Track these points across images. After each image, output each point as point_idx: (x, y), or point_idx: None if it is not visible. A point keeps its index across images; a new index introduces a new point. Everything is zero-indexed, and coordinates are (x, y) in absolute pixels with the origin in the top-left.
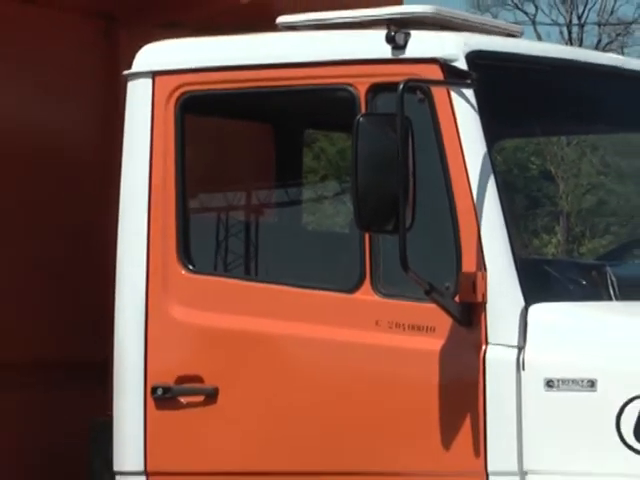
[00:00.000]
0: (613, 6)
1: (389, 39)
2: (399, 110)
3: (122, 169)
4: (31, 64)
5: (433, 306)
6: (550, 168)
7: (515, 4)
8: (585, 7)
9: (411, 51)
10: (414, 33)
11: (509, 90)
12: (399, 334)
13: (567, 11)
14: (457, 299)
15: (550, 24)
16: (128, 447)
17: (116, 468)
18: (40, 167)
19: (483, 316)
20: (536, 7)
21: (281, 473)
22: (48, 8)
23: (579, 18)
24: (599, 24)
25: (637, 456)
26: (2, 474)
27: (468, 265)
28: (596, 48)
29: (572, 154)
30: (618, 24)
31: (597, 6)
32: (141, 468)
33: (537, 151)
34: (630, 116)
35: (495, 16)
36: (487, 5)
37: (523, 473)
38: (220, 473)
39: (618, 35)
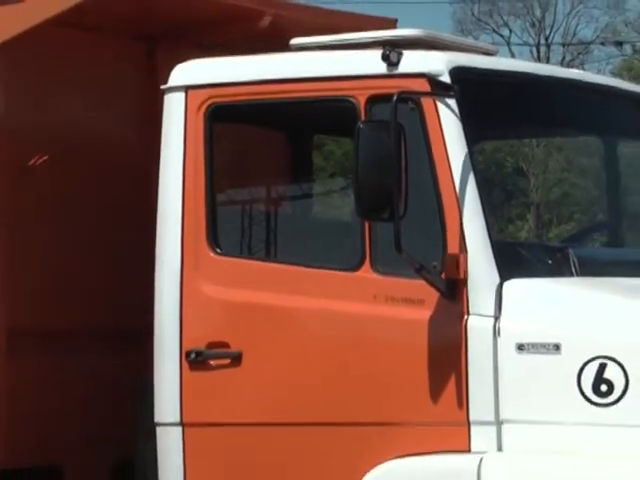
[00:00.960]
0: (575, 29)
1: (384, 58)
2: (393, 118)
3: (160, 168)
4: (86, 80)
5: (422, 282)
6: (523, 166)
7: (492, 28)
8: (551, 30)
9: (403, 67)
10: (406, 52)
11: (487, 100)
12: (394, 306)
13: (536, 34)
14: (443, 276)
15: (522, 44)
16: (167, 402)
17: (157, 420)
18: (96, 166)
19: (465, 291)
20: (510, 30)
21: (294, 424)
22: (99, 33)
23: (546, 39)
24: (563, 44)
25: (594, 407)
26: (64, 425)
27: (452, 248)
28: (561, 65)
29: (541, 154)
30: (579, 44)
31: (561, 29)
32: (178, 420)
33: (512, 151)
34: (589, 121)
35: (476, 38)
36: (469, 29)
37: (499, 422)
38: (242, 424)
39: (579, 54)
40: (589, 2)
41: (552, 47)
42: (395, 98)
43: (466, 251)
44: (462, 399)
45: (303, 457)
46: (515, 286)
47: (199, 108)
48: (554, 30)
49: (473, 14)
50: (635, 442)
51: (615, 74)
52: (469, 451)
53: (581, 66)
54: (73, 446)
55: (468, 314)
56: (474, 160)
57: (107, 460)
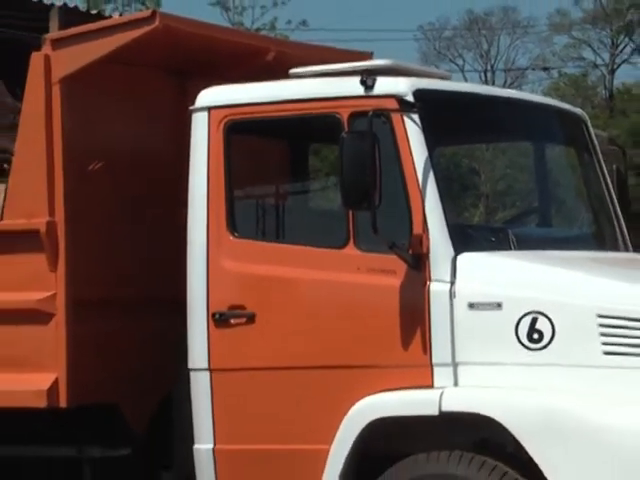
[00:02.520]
0: (514, 58)
1: (362, 82)
2: (369, 129)
3: (190, 171)
4: (131, 106)
5: (394, 256)
6: (475, 165)
7: (450, 58)
8: (495, 59)
9: (377, 90)
10: (379, 78)
11: (443, 114)
12: (373, 275)
13: (484, 62)
14: (410, 252)
15: (473, 71)
16: (198, 352)
17: (190, 366)
18: (138, 171)
19: (427, 262)
20: (463, 60)
21: (295, 367)
22: (141, 68)
23: (491, 67)
24: (504, 70)
25: (528, 351)
26: (119, 372)
27: (417, 229)
28: (503, 86)
29: (489, 155)
30: (517, 70)
31: (503, 58)
32: (206, 366)
33: (466, 154)
34: (524, 130)
35: (437, 66)
36: (432, 59)
37: (455, 364)
38: (256, 369)
39: (517, 78)
40: (525, 37)
41: (496, 73)
42: (371, 114)
43: (428, 232)
44: (426, 346)
45: (303, 393)
46: (466, 258)
47: (219, 124)
48: (498, 59)
49: (434, 48)
50: (559, 377)
51: (545, 94)
52: (432, 386)
53: (518, 87)
54: (126, 388)
55: (430, 280)
56: (434, 161)
57: (153, 399)
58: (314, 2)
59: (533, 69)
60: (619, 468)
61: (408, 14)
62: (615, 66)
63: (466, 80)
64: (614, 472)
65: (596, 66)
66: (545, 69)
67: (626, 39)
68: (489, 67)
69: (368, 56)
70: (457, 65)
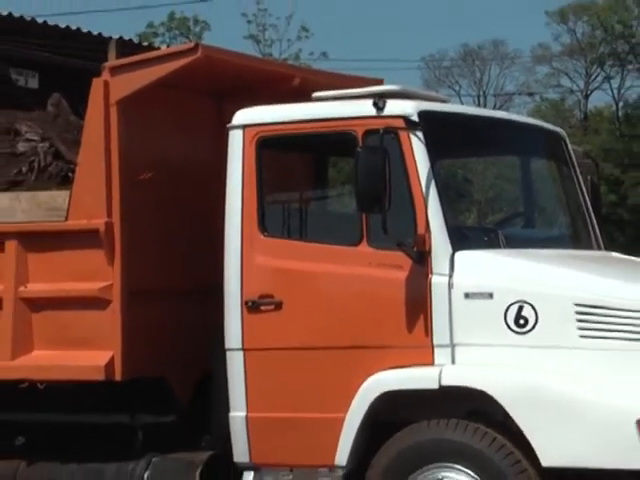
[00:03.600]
0: (502, 85)
1: (375, 104)
2: (380, 145)
3: (227, 180)
4: (176, 123)
5: (401, 253)
6: (469, 176)
7: (448, 85)
8: (487, 86)
9: (387, 111)
10: (389, 101)
11: (443, 132)
12: (382, 269)
13: (477, 88)
14: (414, 249)
15: (467, 95)
16: (233, 334)
17: (226, 346)
18: (182, 178)
19: (429, 259)
20: (459, 86)
21: (316, 348)
22: (185, 91)
23: (483, 92)
24: (494, 95)
25: (515, 334)
26: (167, 350)
27: (420, 230)
28: (493, 109)
29: (481, 167)
30: (505, 95)
31: (494, 85)
32: (240, 346)
33: (462, 166)
34: (511, 145)
35: (437, 91)
36: (432, 85)
37: (453, 345)
38: (282, 348)
39: (505, 102)
40: (512, 67)
41: (487, 97)
42: (382, 132)
43: (430, 232)
44: (428, 330)
45: (323, 369)
46: (462, 255)
47: (252, 140)
48: (489, 86)
49: (435, 75)
50: (541, 357)
51: (529, 115)
52: (433, 364)
53: (506, 110)
54: (172, 364)
55: (431, 274)
56: (435, 172)
57: (195, 374)
58: (333, 36)
59: (519, 94)
60: (589, 434)
61: (412, 47)
62: (589, 92)
63: (462, 103)
64: (585, 437)
65: (572, 92)
66: (529, 94)
67: (598, 69)
68: (481, 92)
69: (379, 82)
70: (454, 90)
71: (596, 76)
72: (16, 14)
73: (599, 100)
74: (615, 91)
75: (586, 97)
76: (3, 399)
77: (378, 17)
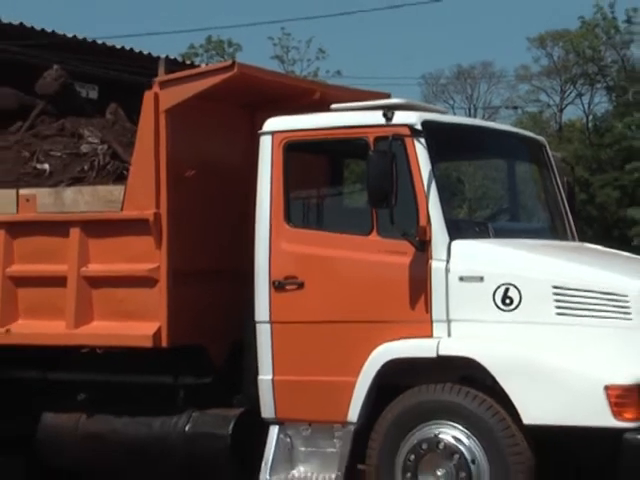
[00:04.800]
0: (490, 100)
1: (384, 115)
2: (389, 149)
3: (258, 178)
4: (214, 130)
5: (406, 242)
6: (461, 177)
7: (443, 99)
8: (477, 100)
9: (395, 121)
10: (396, 112)
11: (442, 138)
12: (390, 256)
13: (468, 102)
14: (417, 238)
15: (460, 108)
16: (262, 309)
17: (256, 319)
18: (220, 175)
19: (429, 247)
20: (454, 100)
21: (334, 321)
22: (221, 102)
23: (474, 106)
24: (483, 108)
25: (501, 311)
26: (206, 321)
27: (422, 222)
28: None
29: (473, 169)
30: (491, 108)
31: (482, 100)
32: (268, 319)
33: (456, 168)
34: (498, 150)
35: (434, 104)
36: (430, 99)
37: (449, 320)
38: (303, 322)
39: (492, 114)
40: (498, 84)
41: (477, 110)
42: (390, 138)
43: (430, 224)
44: (428, 307)
45: (338, 340)
46: (458, 244)
47: (279, 144)
48: (478, 100)
49: (432, 91)
50: (524, 331)
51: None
52: (432, 337)
53: (493, 121)
54: (209, 334)
55: (431, 259)
56: (435, 173)
57: (228, 342)
58: (346, 57)
59: (504, 108)
60: (564, 397)
61: (414, 67)
62: (563, 107)
63: (455, 115)
64: (560, 399)
65: (549, 106)
66: (513, 108)
67: (571, 87)
68: (472, 106)
69: (386, 96)
70: (449, 104)
71: (569, 93)
72: (80, 36)
73: (572, 114)
74: (586, 106)
75: (561, 111)
76: (68, 362)
77: (385, 40)
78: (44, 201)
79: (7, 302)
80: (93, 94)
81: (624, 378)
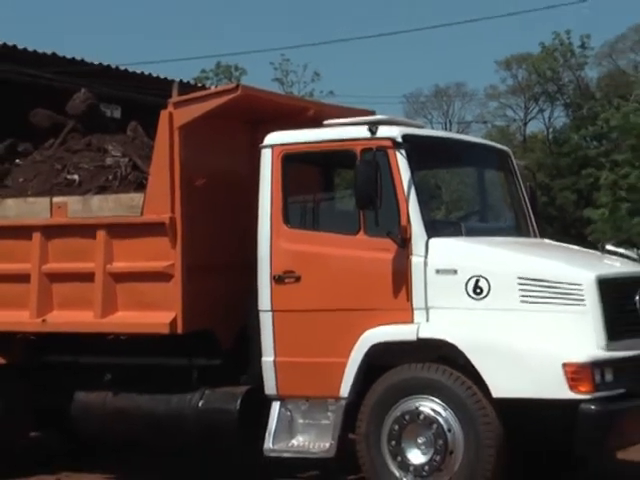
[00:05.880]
0: (464, 115)
1: (369, 129)
2: (373, 159)
3: (260, 186)
4: (221, 144)
5: (389, 240)
6: (439, 183)
7: (423, 115)
8: (452, 116)
9: (379, 134)
10: (380, 127)
11: (421, 150)
12: (375, 252)
13: (444, 118)
14: (399, 237)
15: (437, 123)
16: (264, 299)
17: (259, 308)
18: (227, 183)
19: (410, 244)
20: (432, 116)
21: (327, 310)
22: (227, 119)
23: (449, 121)
24: (458, 123)
25: (473, 300)
26: (213, 308)
27: (403, 222)
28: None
29: (448, 176)
30: (464, 123)
31: (457, 116)
32: (270, 308)
33: (434, 175)
34: (470, 160)
35: (415, 119)
36: (411, 116)
37: (427, 308)
38: (300, 310)
39: (465, 127)
40: (470, 102)
41: (452, 124)
42: (375, 150)
43: (410, 224)
44: (409, 296)
45: (331, 326)
46: (434, 241)
47: (278, 156)
48: (453, 116)
49: (413, 108)
50: (493, 316)
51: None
52: (412, 322)
53: (466, 134)
54: (218, 320)
55: (411, 255)
56: (414, 180)
57: (235, 327)
58: (338, 79)
59: (475, 122)
60: (527, 373)
61: (396, 86)
62: (527, 121)
63: (433, 129)
64: (524, 375)
65: (514, 120)
66: (483, 122)
67: (534, 104)
68: (447, 121)
69: (371, 113)
70: (427, 119)
71: (532, 109)
72: (105, 63)
73: (534, 127)
74: (546, 120)
75: (525, 124)
76: (95, 347)
77: (371, 64)
78: (74, 207)
79: (43, 295)
80: (116, 114)
81: (579, 356)
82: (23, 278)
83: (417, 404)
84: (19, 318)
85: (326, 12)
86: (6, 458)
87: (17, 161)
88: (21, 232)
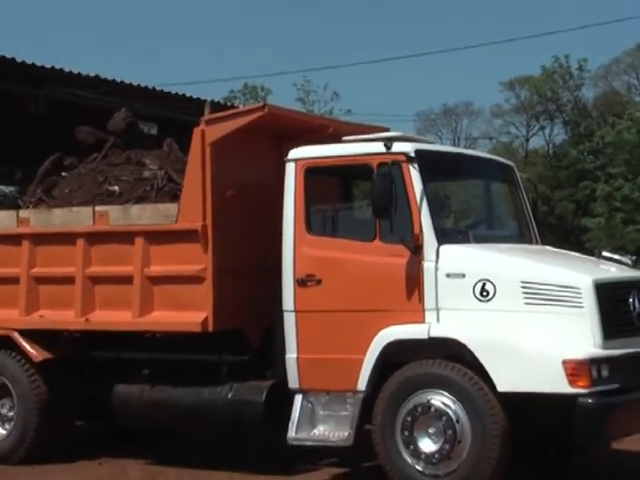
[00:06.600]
0: (470, 132)
1: (385, 145)
2: (389, 172)
3: (284, 197)
4: (250, 158)
5: (403, 246)
6: (449, 194)
7: (434, 132)
8: (460, 132)
9: (394, 149)
10: (395, 143)
11: (432, 164)
12: (390, 257)
13: (453, 134)
14: (412, 244)
15: (446, 139)
16: (288, 300)
17: (284, 308)
18: (255, 194)
19: (422, 250)
20: (442, 133)
21: (346, 310)
22: (255, 135)
23: (458, 137)
24: (465, 139)
25: (479, 302)
26: (242, 308)
27: (416, 230)
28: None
29: (457, 188)
30: (472, 139)
31: (464, 132)
32: (293, 309)
33: (444, 187)
34: (477, 173)
35: (426, 136)
36: (422, 133)
37: (438, 309)
38: (322, 311)
39: (472, 143)
40: (477, 120)
41: (460, 140)
42: (390, 164)
43: (423, 232)
44: (421, 298)
45: (350, 325)
46: (445, 248)
47: (301, 169)
48: (461, 133)
49: (424, 125)
50: (498, 317)
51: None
52: (424, 322)
53: (473, 149)
54: (247, 320)
55: (423, 260)
56: (426, 191)
57: (262, 327)
58: (357, 98)
59: (482, 138)
60: (530, 369)
61: (409, 105)
62: (529, 137)
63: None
64: (527, 371)
65: (517, 137)
66: (489, 138)
67: (535, 121)
68: (456, 137)
69: (386, 130)
70: (437, 136)
71: (534, 126)
72: (142, 84)
73: (536, 143)
74: (547, 136)
75: (527, 140)
76: (134, 344)
77: (385, 85)
78: (115, 216)
79: (86, 296)
80: (153, 131)
81: (577, 354)
82: (68, 280)
83: (428, 397)
84: (65, 317)
85: (343, 37)
86: (54, 444)
87: (63, 174)
88: (66, 238)
